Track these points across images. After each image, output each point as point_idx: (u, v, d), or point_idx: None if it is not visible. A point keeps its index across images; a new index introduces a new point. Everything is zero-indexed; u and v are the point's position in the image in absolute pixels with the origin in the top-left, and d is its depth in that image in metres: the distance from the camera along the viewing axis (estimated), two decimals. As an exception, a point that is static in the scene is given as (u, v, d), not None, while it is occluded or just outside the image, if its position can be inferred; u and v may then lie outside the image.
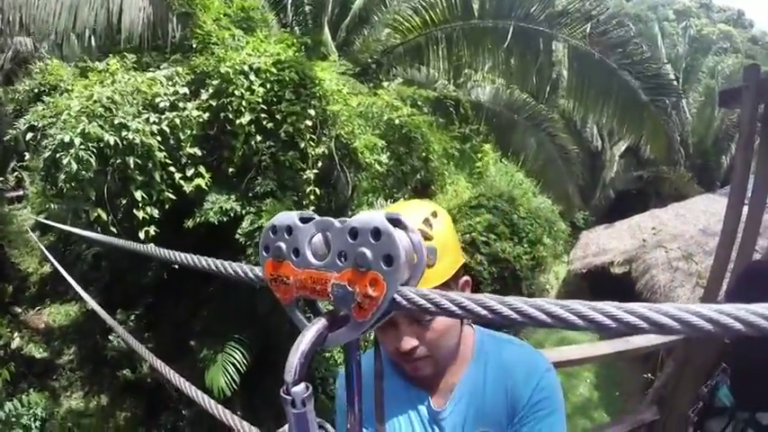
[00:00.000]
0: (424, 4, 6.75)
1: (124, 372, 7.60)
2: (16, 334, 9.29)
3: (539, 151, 8.05)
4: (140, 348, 2.33)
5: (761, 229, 3.65)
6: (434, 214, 0.98)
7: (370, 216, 0.42)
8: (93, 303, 3.82)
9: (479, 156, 8.05)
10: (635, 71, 7.05)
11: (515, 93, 8.04)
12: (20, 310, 10.49)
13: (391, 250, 0.40)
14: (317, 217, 0.47)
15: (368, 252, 0.40)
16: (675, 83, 15.82)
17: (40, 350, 9.44)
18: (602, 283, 10.23)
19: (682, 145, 15.88)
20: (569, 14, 7.02)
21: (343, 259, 0.43)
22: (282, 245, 0.46)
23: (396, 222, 0.43)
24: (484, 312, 0.38)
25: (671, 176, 16.02)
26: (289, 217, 0.47)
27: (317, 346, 0.44)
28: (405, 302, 0.40)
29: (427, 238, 0.94)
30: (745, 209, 3.56)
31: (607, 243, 11.41)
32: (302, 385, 0.43)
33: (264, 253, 0.48)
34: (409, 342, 0.98)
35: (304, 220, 0.47)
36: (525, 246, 7.47)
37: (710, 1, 40.77)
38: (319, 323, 0.44)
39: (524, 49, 6.84)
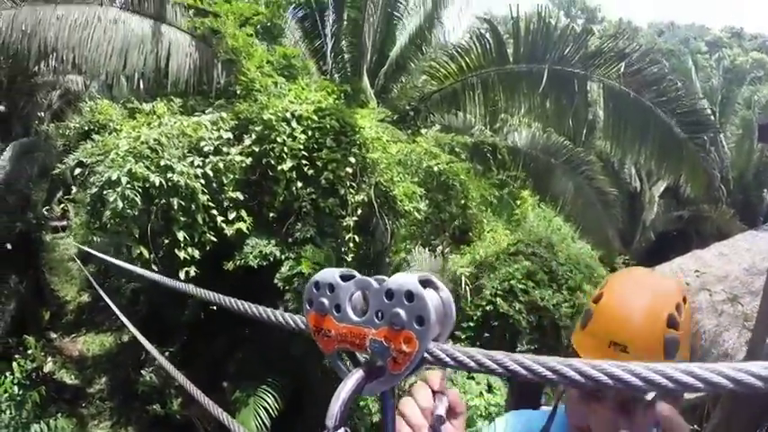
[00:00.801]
0: (459, 50, 6.85)
1: (154, 407, 7.61)
2: (50, 359, 9.48)
3: (577, 195, 7.93)
4: (179, 376, 2.34)
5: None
6: (684, 299, 0.94)
7: (405, 279, 0.46)
8: (134, 330, 3.88)
9: (517, 202, 7.98)
10: (671, 108, 6.95)
11: (552, 136, 8.02)
12: (55, 336, 10.76)
13: (423, 312, 0.45)
14: (357, 275, 0.51)
15: (402, 313, 0.45)
16: (712, 117, 15.53)
17: (72, 377, 9.60)
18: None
19: (722, 181, 15.40)
20: (603, 54, 6.99)
21: (379, 317, 0.47)
22: (325, 300, 0.50)
23: (427, 283, 0.47)
24: (514, 368, 0.42)
25: (712, 215, 15.43)
26: (331, 274, 0.51)
27: (356, 394, 0.48)
28: (436, 358, 0.45)
29: (674, 326, 0.90)
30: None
31: (649, 289, 10.96)
32: (342, 430, 0.46)
33: (308, 306, 0.53)
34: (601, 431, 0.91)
35: (345, 278, 0.51)
36: (565, 293, 7.25)
37: (741, 29, 40.20)
38: (358, 374, 0.48)
39: (559, 91, 6.82)
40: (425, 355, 0.45)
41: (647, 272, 1.09)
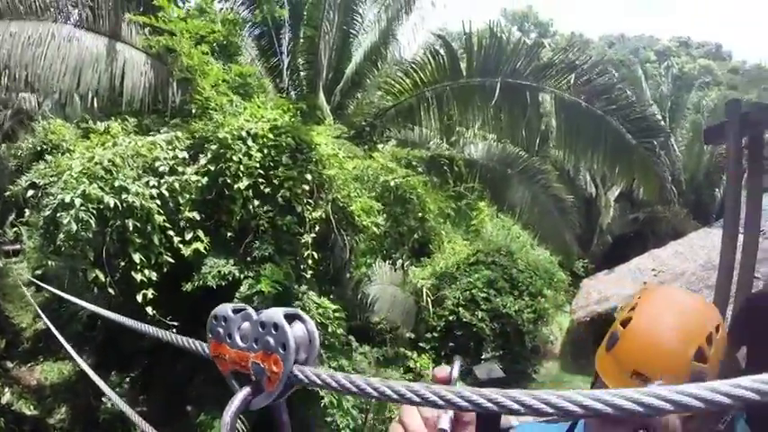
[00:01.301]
0: (413, 66, 7.01)
1: (117, 436, 7.35)
2: (7, 389, 9.05)
3: (534, 203, 8.14)
4: (129, 411, 2.31)
5: (758, 257, 3.65)
6: (717, 329, 0.89)
7: (273, 312, 0.56)
8: (84, 366, 3.78)
9: (475, 213, 8.15)
10: (621, 116, 7.21)
11: (507, 147, 8.23)
12: (11, 365, 10.26)
13: (284, 339, 0.54)
14: (247, 308, 0.60)
15: (271, 340, 0.54)
16: (662, 122, 16.26)
17: (31, 407, 9.18)
18: (606, 330, 10.10)
19: (674, 182, 16.12)
20: (554, 66, 7.26)
21: (257, 344, 0.56)
22: (221, 330, 0.60)
23: (294, 317, 0.57)
24: (367, 390, 0.48)
25: (667, 215, 16.13)
26: (225, 309, 0.61)
27: (243, 408, 0.56)
28: (302, 378, 0.53)
29: (702, 360, 0.86)
30: (740, 239, 3.58)
31: (608, 289, 11.34)
32: None
33: (210, 335, 0.62)
34: None
35: (236, 311, 0.60)
36: (526, 299, 7.46)
37: (689, 38, 42.38)
38: (245, 391, 0.56)
39: (512, 103, 7.05)
40: (292, 373, 0.53)
41: (680, 294, 1.03)
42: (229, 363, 0.58)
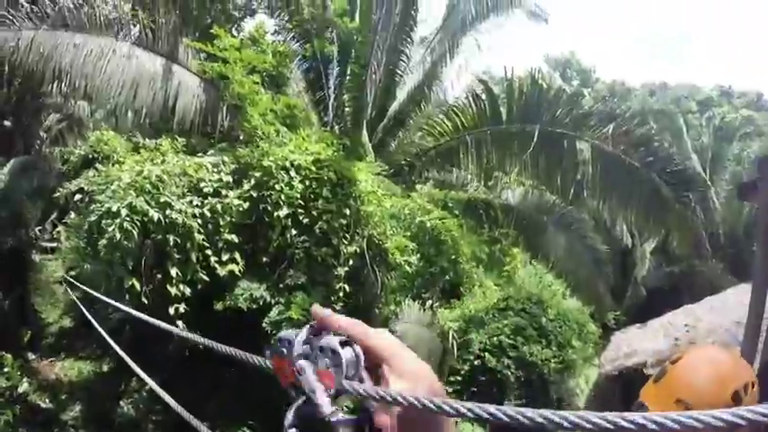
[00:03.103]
0: (455, 109, 7.13)
1: (131, 440, 7.42)
2: (25, 379, 9.25)
3: (568, 252, 8.09)
4: (170, 400, 2.35)
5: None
6: (753, 384, 1.00)
7: (330, 340, 0.65)
8: (124, 355, 3.88)
9: (508, 259, 8.12)
10: (659, 168, 7.14)
11: (545, 194, 8.21)
12: (33, 357, 10.51)
13: (337, 361, 0.64)
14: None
15: (327, 360, 0.64)
16: (701, 174, 15.92)
17: (46, 400, 9.34)
18: (634, 385, 9.68)
19: (712, 236, 15.64)
20: (593, 116, 7.25)
21: (314, 363, 0.66)
22: (284, 350, 0.68)
23: (345, 343, 0.65)
24: (410, 401, 0.56)
25: (703, 269, 15.60)
26: (290, 334, 0.69)
27: (299, 413, 0.65)
28: (349, 389, 0.62)
29: (738, 402, 0.97)
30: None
31: (639, 343, 10.93)
32: (294, 429, 0.62)
33: (274, 353, 0.70)
34: None
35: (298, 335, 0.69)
36: (554, 349, 7.30)
37: (730, 87, 41.56)
38: (300, 401, 0.65)
39: (550, 151, 7.05)
40: (341, 387, 0.62)
41: (726, 351, 1.21)
42: (289, 377, 0.67)
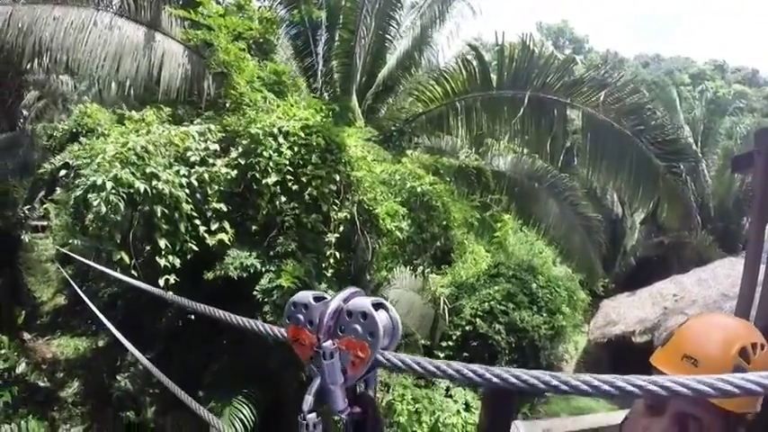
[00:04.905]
0: (445, 74, 7.02)
1: (128, 413, 7.51)
2: (23, 360, 9.30)
3: (560, 219, 8.06)
4: (157, 373, 2.38)
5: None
6: (762, 346, 0.99)
7: (362, 302, 0.59)
8: (116, 332, 3.90)
9: (499, 225, 8.13)
10: (650, 137, 7.05)
11: (536, 162, 8.16)
12: (29, 337, 10.56)
13: (374, 328, 0.57)
14: (327, 297, 0.63)
15: (359, 328, 0.58)
16: (693, 147, 15.93)
17: (44, 379, 9.42)
18: (622, 352, 9.97)
19: (702, 208, 15.78)
20: (585, 83, 7.16)
21: (341, 331, 0.59)
22: (301, 317, 0.63)
23: (379, 306, 0.60)
24: (450, 372, 0.54)
25: (692, 241, 15.78)
26: (306, 296, 0.64)
27: (318, 398, 0.61)
28: (385, 362, 0.58)
29: (746, 358, 0.95)
30: (762, 270, 3.52)
31: (628, 312, 11.19)
32: (314, 414, 0.59)
33: (287, 321, 0.65)
34: None
35: (317, 299, 0.64)
36: (544, 315, 7.40)
37: (725, 62, 41.42)
38: (319, 381, 0.60)
39: (540, 117, 6.98)
40: (377, 358, 0.58)
41: (732, 317, 1.19)
42: (309, 348, 0.61)
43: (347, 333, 0.59)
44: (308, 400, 0.59)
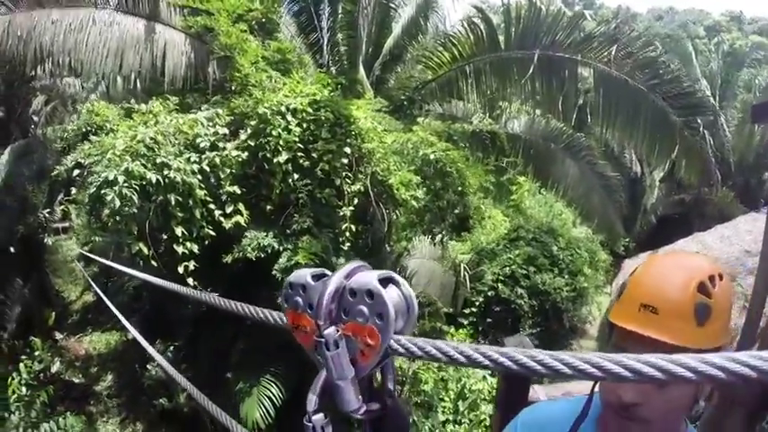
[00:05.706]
0: (452, 39, 6.83)
1: (161, 400, 7.73)
2: (57, 359, 9.59)
3: (579, 180, 7.85)
4: (177, 376, 2.40)
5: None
6: (720, 276, 0.94)
7: (365, 278, 0.49)
8: (133, 331, 3.95)
9: (515, 188, 7.96)
10: (665, 91, 6.74)
11: (551, 122, 7.92)
12: (61, 337, 10.87)
13: (382, 309, 0.47)
14: (328, 273, 0.54)
15: (365, 309, 0.48)
16: (710, 100, 15.41)
17: (79, 376, 9.73)
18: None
19: (722, 164, 15.31)
20: (595, 38, 6.91)
21: (346, 314, 0.50)
22: (299, 299, 0.54)
23: (388, 280, 0.50)
24: (462, 359, 0.44)
25: (713, 198, 15.37)
26: (303, 275, 0.55)
27: (324, 395, 0.52)
28: (400, 349, 0.48)
29: (706, 294, 0.91)
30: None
31: (649, 271, 10.99)
32: (320, 415, 0.51)
33: (285, 304, 0.56)
34: (633, 397, 0.91)
35: (315, 278, 0.55)
36: (566, 277, 7.30)
37: (741, 13, 39.89)
38: (325, 375, 0.51)
39: (550, 77, 6.77)
40: (390, 344, 0.48)
41: (684, 252, 1.13)
42: (311, 335, 0.52)
43: (352, 316, 0.49)
44: (313, 399, 0.51)
